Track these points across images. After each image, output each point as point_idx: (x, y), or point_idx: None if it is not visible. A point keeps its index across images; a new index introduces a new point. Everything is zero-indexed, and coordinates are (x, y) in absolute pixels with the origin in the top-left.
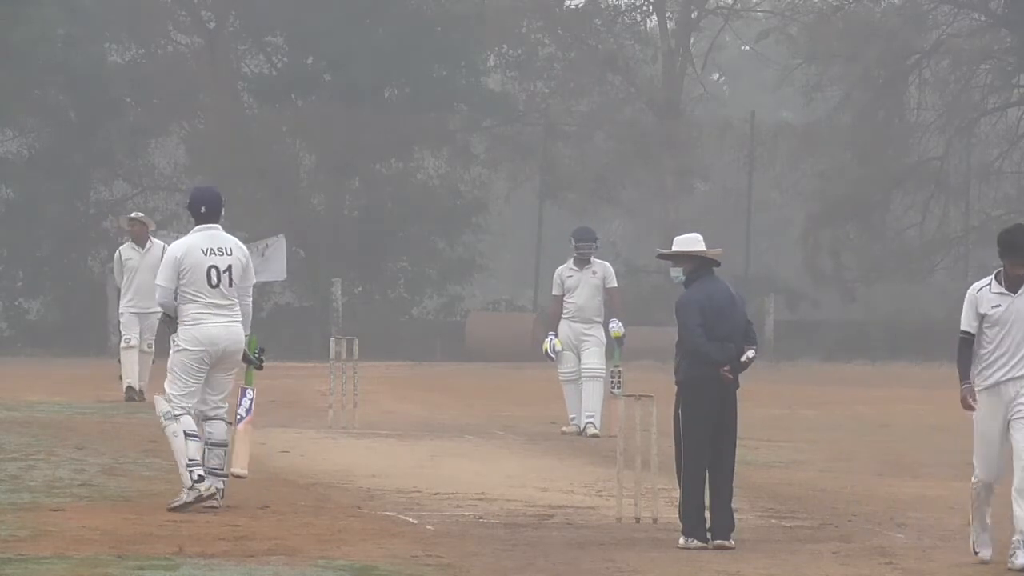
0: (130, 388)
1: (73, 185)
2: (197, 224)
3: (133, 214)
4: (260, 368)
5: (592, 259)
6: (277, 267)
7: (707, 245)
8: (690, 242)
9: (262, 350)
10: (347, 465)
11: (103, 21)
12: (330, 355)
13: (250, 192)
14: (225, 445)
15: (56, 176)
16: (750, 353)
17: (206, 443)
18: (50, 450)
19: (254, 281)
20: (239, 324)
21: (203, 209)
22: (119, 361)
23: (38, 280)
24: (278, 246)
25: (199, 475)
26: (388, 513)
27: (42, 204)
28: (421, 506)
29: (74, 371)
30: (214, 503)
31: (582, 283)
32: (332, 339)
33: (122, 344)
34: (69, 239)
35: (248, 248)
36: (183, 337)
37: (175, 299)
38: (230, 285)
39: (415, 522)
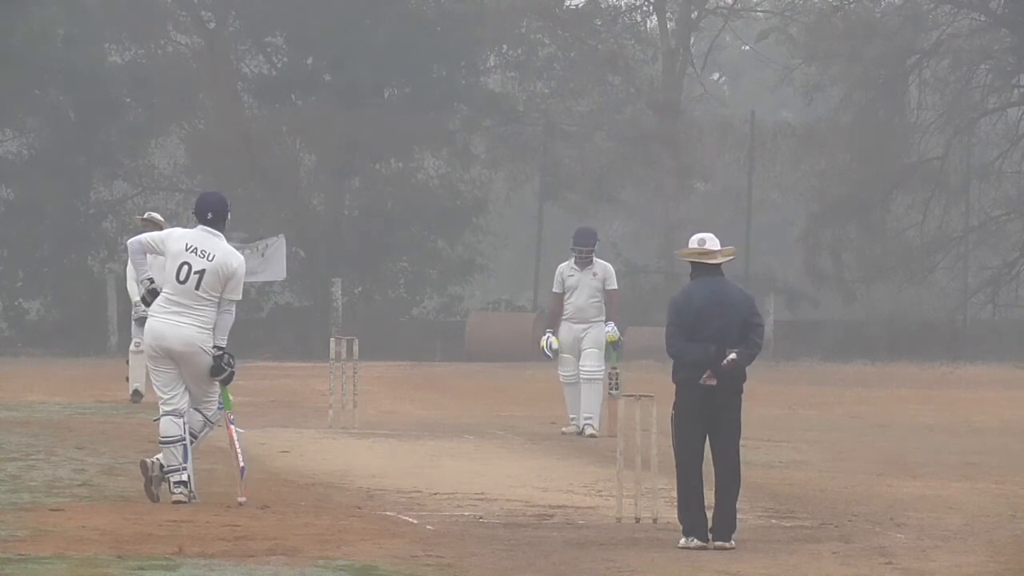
0: (136, 392)
1: (73, 185)
2: (201, 224)
3: (147, 214)
4: (228, 380)
5: (594, 260)
6: (277, 267)
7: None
8: (694, 242)
9: (230, 356)
10: (347, 465)
11: (103, 21)
12: (330, 355)
13: (250, 192)
14: (193, 437)
15: (56, 176)
16: (731, 356)
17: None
18: (50, 450)
19: (238, 298)
20: (191, 327)
21: (209, 214)
22: (127, 362)
23: (38, 280)
24: (278, 246)
25: (174, 482)
26: (388, 513)
27: (42, 204)
28: (421, 506)
29: (74, 371)
30: (182, 498)
31: (582, 284)
32: (332, 339)
33: (131, 347)
34: (69, 239)
35: (248, 248)
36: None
37: (142, 262)
38: (197, 288)
39: (415, 522)
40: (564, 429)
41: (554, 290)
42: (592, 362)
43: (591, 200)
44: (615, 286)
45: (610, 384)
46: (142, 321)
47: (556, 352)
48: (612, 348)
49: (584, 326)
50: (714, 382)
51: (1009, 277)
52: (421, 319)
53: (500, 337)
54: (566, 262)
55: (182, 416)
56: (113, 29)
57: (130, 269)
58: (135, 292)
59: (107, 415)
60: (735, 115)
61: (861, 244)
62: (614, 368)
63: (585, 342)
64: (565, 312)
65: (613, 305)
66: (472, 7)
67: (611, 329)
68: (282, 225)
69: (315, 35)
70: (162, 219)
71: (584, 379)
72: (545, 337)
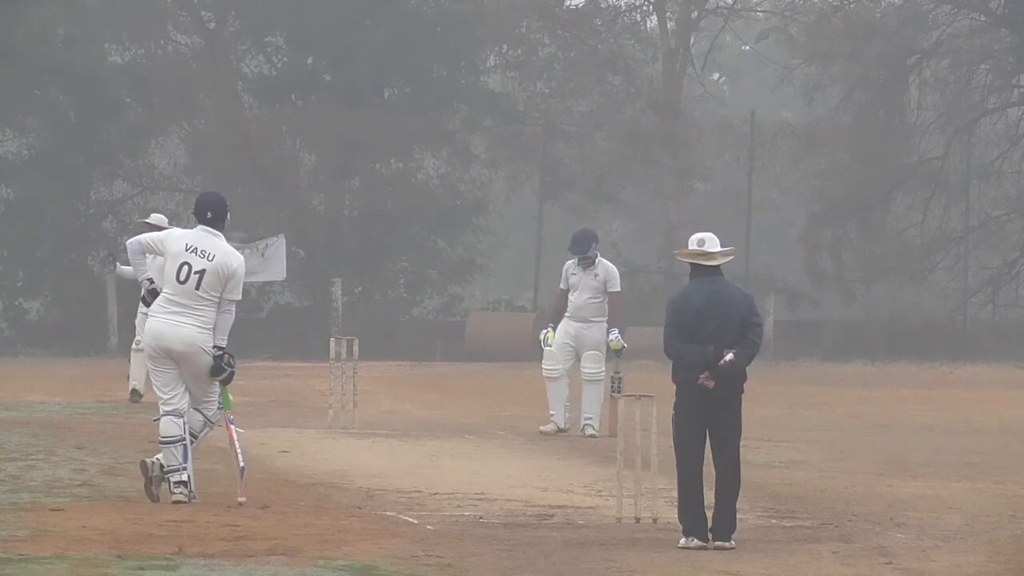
0: (134, 391)
1: (73, 185)
2: (200, 225)
3: (151, 216)
4: (228, 380)
5: (597, 261)
6: (277, 267)
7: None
8: (693, 242)
9: (230, 356)
10: (347, 465)
11: (103, 21)
12: (330, 355)
13: (250, 192)
14: (193, 437)
15: (56, 176)
16: (728, 356)
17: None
18: (50, 450)
19: (238, 298)
20: (191, 327)
21: (208, 214)
22: (129, 360)
23: (38, 280)
24: (278, 246)
25: (174, 482)
26: (388, 513)
27: (42, 204)
28: (421, 506)
29: (74, 371)
30: (182, 498)
31: (582, 284)
32: (332, 339)
33: (133, 345)
34: (69, 239)
35: (248, 248)
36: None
37: (142, 262)
38: (197, 288)
39: (415, 522)
40: (542, 428)
41: (560, 286)
42: (592, 364)
43: (591, 200)
44: (617, 288)
45: (613, 388)
46: (108, 261)
47: (546, 350)
48: (615, 355)
49: (582, 325)
50: (712, 384)
51: (1009, 277)
52: (421, 319)
53: (500, 337)
54: (573, 259)
55: (182, 416)
56: (113, 29)
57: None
58: (128, 272)
59: (107, 415)
60: (735, 115)
61: (861, 244)
62: (617, 373)
63: (586, 345)
64: (568, 309)
65: (614, 308)
66: (472, 7)
67: (615, 338)
68: (282, 225)
69: (315, 35)
70: (165, 223)
71: (585, 380)
72: (544, 331)
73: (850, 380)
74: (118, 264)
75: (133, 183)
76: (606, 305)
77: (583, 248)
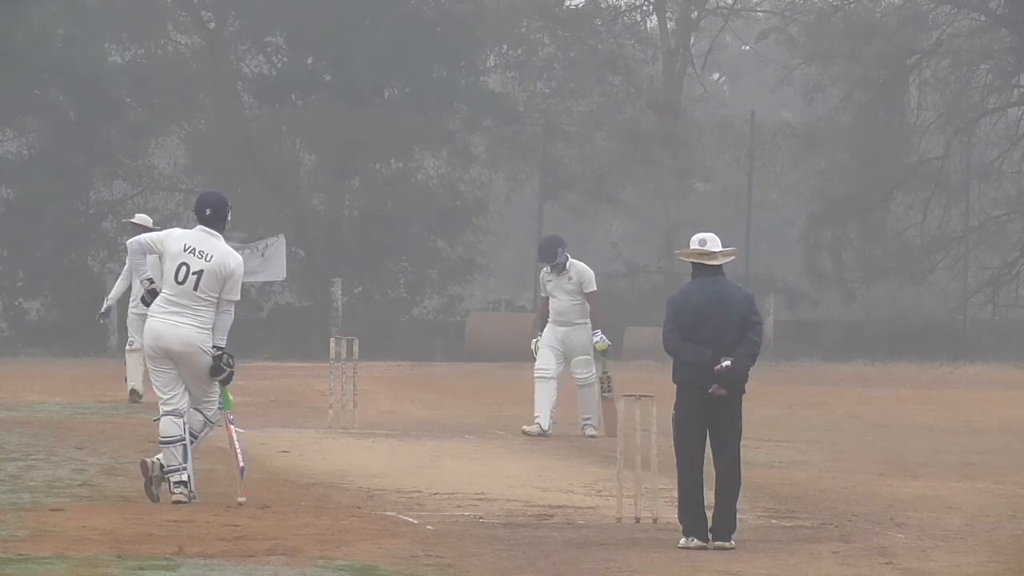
0: (133, 391)
1: (73, 185)
2: (200, 224)
3: (136, 216)
4: (227, 380)
5: (569, 264)
6: (277, 267)
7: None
8: (694, 242)
9: (229, 356)
10: (347, 465)
11: (103, 21)
12: (330, 355)
13: (250, 192)
14: (193, 437)
15: (56, 176)
16: (726, 363)
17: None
18: (50, 450)
19: (236, 298)
20: (190, 327)
21: (207, 212)
22: (125, 362)
23: (38, 280)
24: (278, 246)
25: (174, 482)
26: (388, 513)
27: (42, 204)
28: (421, 506)
29: (74, 371)
30: (182, 498)
31: (558, 289)
32: (332, 339)
33: (126, 346)
34: (69, 239)
35: (248, 248)
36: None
37: (142, 262)
38: (195, 288)
39: (415, 522)
40: (526, 428)
41: (541, 294)
42: (583, 369)
43: (591, 200)
44: (593, 288)
45: (603, 388)
46: (105, 314)
47: (537, 350)
48: (602, 354)
49: (567, 329)
50: (724, 392)
51: (1009, 277)
52: (421, 319)
53: (500, 337)
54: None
55: (182, 416)
56: (113, 29)
57: (127, 268)
58: (119, 290)
59: (107, 415)
60: (735, 115)
61: (861, 244)
62: (605, 372)
63: (575, 350)
64: (550, 314)
65: (594, 309)
66: (472, 7)
67: (599, 339)
68: (282, 225)
69: (315, 35)
70: (149, 223)
71: (578, 385)
72: (534, 341)
73: (850, 380)
74: (106, 301)
75: (133, 183)
76: (587, 306)
77: (549, 256)
